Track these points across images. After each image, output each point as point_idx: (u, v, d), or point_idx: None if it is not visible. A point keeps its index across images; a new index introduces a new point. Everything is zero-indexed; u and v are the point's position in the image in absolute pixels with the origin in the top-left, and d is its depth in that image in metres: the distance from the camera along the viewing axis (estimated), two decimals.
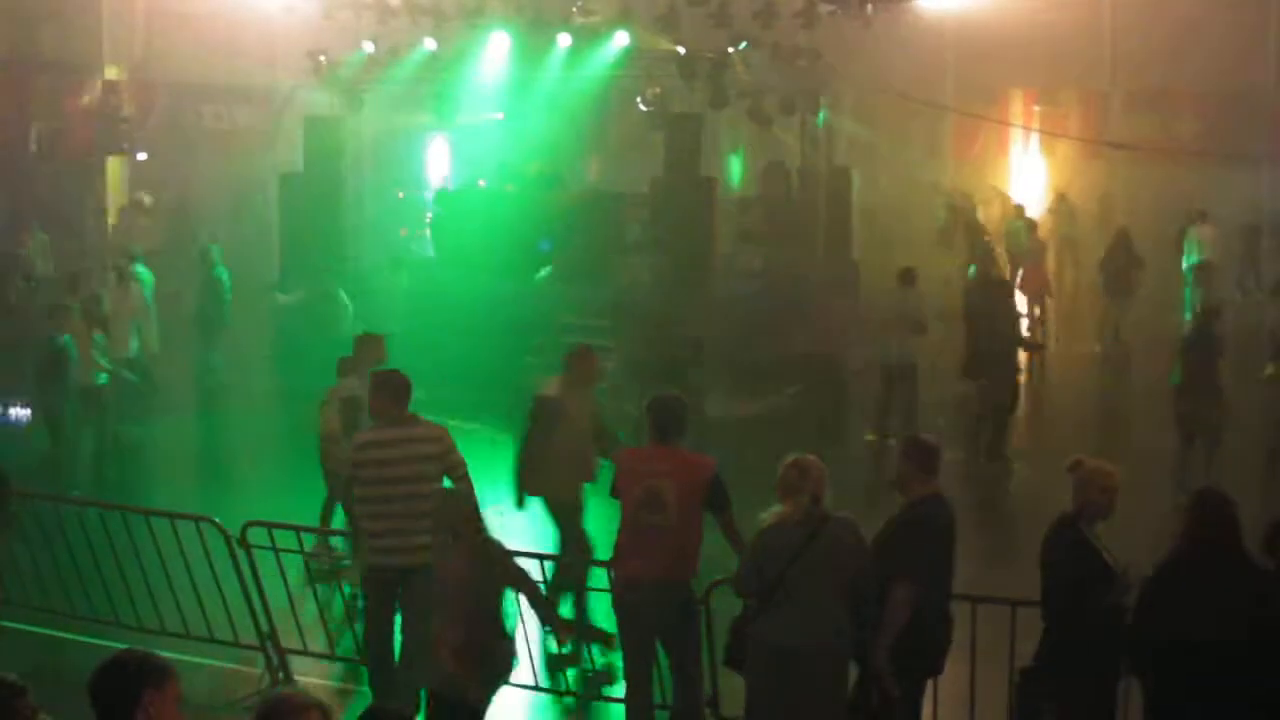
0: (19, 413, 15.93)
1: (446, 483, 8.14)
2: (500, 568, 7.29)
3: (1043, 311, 21.35)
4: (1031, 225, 24.17)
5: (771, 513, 6.94)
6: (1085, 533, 6.71)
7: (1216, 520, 6.44)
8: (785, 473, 6.97)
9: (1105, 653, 6.61)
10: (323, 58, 20.75)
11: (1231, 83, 28.71)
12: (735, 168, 26.69)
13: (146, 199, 24.54)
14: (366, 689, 8.43)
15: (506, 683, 7.48)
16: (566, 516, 9.64)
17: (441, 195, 22.93)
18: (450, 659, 6.97)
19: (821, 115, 21.84)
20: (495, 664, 7.23)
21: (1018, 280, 21.01)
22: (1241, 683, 6.20)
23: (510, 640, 7.32)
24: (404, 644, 8.33)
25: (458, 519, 7.27)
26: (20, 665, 5.58)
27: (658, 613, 7.58)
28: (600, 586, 8.23)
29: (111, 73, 26.86)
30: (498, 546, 7.33)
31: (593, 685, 8.97)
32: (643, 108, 20.37)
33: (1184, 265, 22.13)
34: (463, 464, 8.24)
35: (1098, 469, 6.85)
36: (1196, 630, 6.24)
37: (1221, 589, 6.29)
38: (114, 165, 27.21)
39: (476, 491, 7.86)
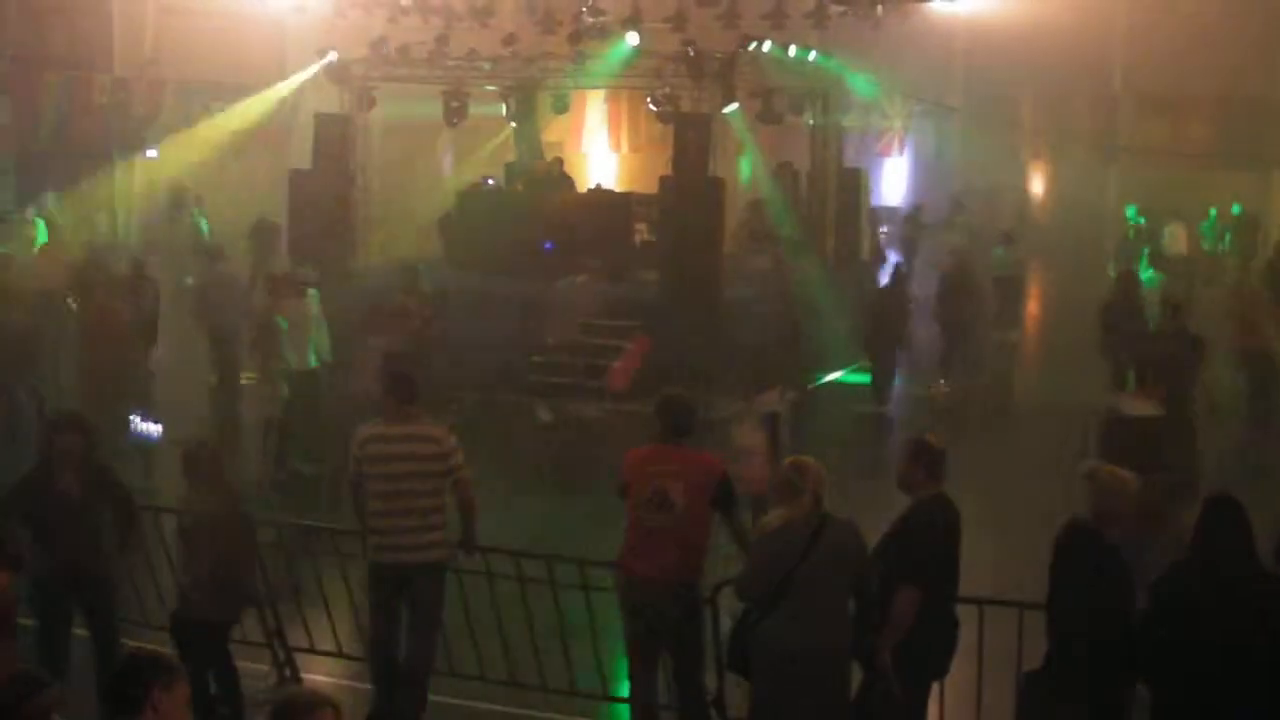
0: (150, 428, 15.53)
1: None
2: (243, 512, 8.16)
3: None
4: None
5: (774, 515, 6.94)
6: (1110, 542, 6.67)
7: (1226, 526, 6.42)
8: (785, 474, 6.97)
9: (1115, 657, 6.59)
10: (333, 56, 20.79)
11: (1242, 87, 28.70)
12: (744, 168, 26.68)
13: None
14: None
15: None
16: None
17: (459, 195, 22.96)
18: (192, 588, 7.96)
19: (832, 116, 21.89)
20: (241, 591, 8.17)
21: None
22: (1249, 689, 6.19)
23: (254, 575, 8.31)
24: (409, 643, 8.34)
25: (207, 466, 8.03)
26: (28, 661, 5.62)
27: (663, 612, 7.58)
28: (607, 585, 8.23)
29: (121, 70, 26.92)
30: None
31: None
32: (652, 108, 20.37)
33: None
34: (464, 467, 8.27)
35: (1117, 477, 6.81)
36: (1204, 636, 6.23)
37: (1230, 595, 6.27)
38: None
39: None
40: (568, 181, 22.65)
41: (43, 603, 7.95)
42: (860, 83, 23.13)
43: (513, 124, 23.36)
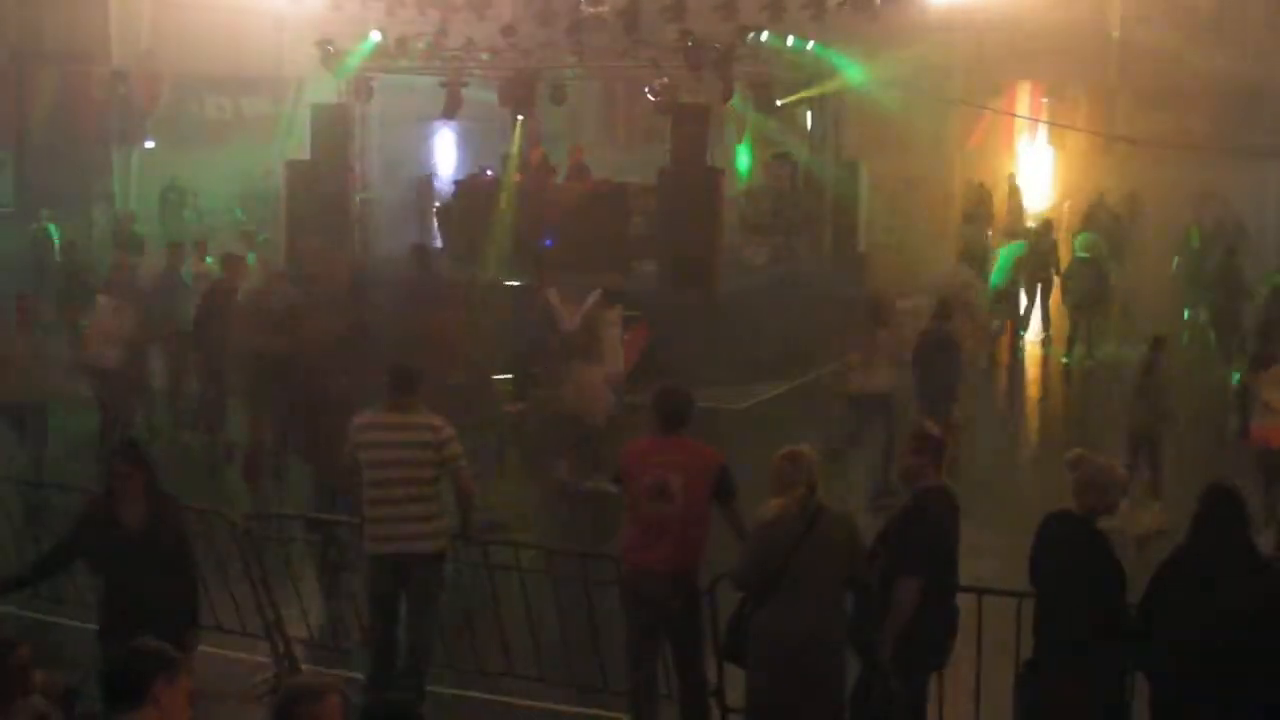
0: None
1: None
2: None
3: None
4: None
5: (769, 506, 6.95)
6: (1102, 530, 6.69)
7: (1222, 514, 6.44)
8: (779, 465, 6.98)
9: (1113, 647, 6.61)
10: (330, 47, 20.78)
11: (1241, 78, 28.64)
12: (742, 159, 26.68)
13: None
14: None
15: None
16: None
17: (457, 185, 22.92)
18: None
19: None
20: None
21: None
22: (1245, 677, 6.20)
23: None
24: (408, 634, 8.35)
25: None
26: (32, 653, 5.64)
27: (663, 603, 7.60)
28: (607, 577, 8.24)
29: (118, 62, 26.88)
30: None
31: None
32: (650, 98, 20.36)
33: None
34: (460, 457, 8.27)
35: (1106, 466, 6.82)
36: (1200, 624, 6.25)
37: (1226, 583, 6.29)
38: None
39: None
40: (584, 171, 22.68)
41: (110, 648, 7.13)
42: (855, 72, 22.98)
43: (519, 116, 23.28)
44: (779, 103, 20.87)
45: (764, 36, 19.85)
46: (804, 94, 21.98)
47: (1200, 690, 6.28)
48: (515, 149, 23.46)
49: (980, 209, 26.62)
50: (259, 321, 13.46)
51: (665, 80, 19.94)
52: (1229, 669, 6.20)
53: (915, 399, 12.93)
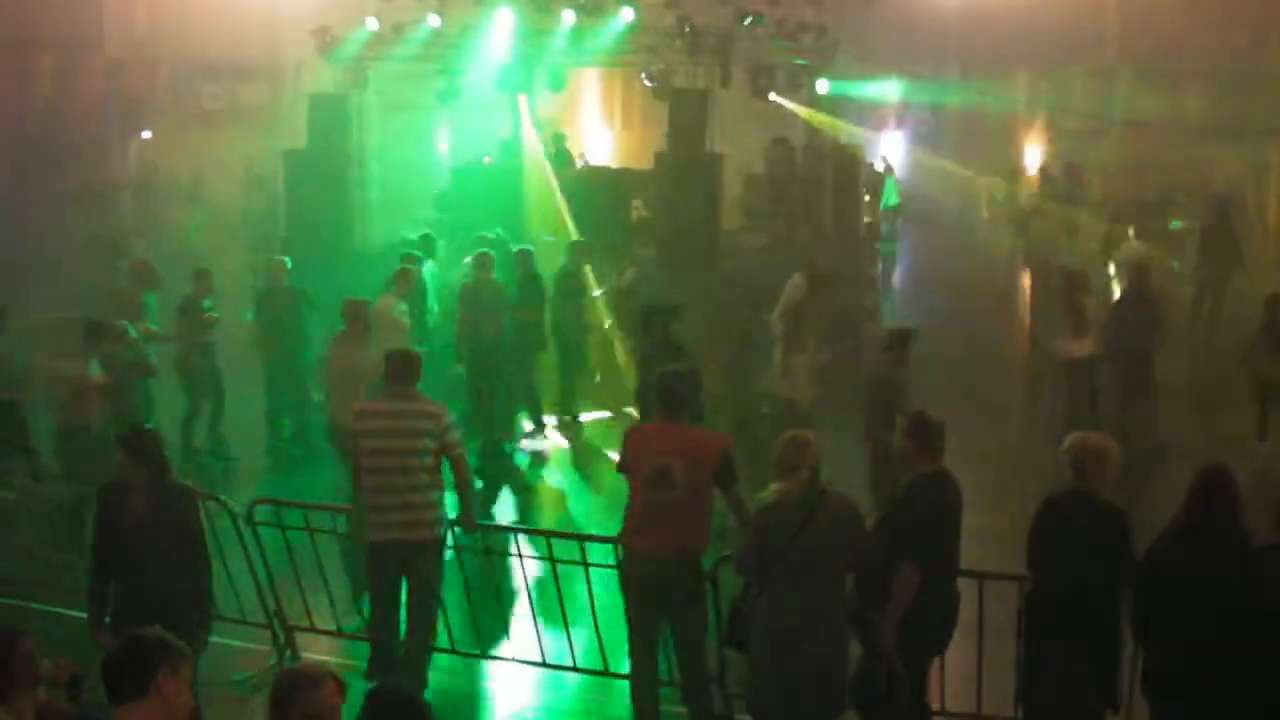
0: None
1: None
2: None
3: None
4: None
5: (771, 491, 6.94)
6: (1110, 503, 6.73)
7: (1214, 495, 6.45)
8: (782, 449, 6.97)
9: (1114, 628, 6.63)
10: (327, 35, 20.71)
11: (1239, 59, 28.63)
12: (741, 144, 26.62)
13: None
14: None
15: None
16: None
17: (455, 172, 22.84)
18: None
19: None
20: None
21: None
22: (1239, 655, 6.21)
23: None
24: (410, 621, 8.34)
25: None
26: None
27: (666, 588, 7.60)
28: (609, 562, 8.24)
29: (113, 51, 26.84)
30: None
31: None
32: (647, 84, 20.31)
33: None
34: (459, 444, 8.27)
35: (1100, 443, 6.85)
36: (1194, 602, 6.27)
37: (1214, 564, 6.31)
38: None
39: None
40: (568, 157, 22.63)
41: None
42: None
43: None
44: (772, 96, 20.76)
45: (762, 21, 19.79)
46: (805, 99, 21.92)
47: (1195, 665, 6.30)
48: (515, 136, 23.43)
49: (876, 186, 28.67)
50: None
51: (662, 65, 19.88)
52: (1222, 645, 6.22)
53: (1115, 353, 13.54)
